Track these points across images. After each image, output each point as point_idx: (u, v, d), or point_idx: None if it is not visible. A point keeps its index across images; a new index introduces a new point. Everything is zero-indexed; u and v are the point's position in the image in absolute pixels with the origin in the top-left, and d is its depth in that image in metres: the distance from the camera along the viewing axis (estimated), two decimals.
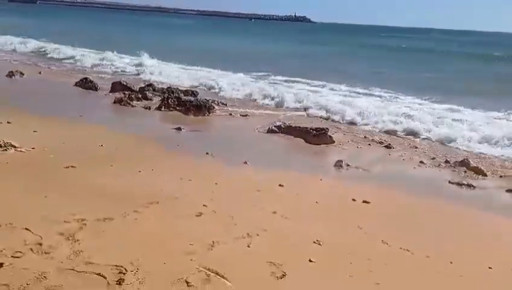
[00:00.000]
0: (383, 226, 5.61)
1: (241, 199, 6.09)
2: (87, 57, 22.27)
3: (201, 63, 21.13)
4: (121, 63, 21.39)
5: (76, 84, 15.45)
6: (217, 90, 16.30)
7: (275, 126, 11.36)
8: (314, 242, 4.88)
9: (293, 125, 11.54)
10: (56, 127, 9.17)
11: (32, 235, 4.40)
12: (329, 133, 10.91)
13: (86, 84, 15.52)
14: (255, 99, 14.95)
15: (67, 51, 24.05)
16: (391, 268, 4.53)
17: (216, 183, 6.60)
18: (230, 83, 16.95)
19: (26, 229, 4.50)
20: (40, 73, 17.36)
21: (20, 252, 4.04)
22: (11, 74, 16.08)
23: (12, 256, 3.95)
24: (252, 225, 5.15)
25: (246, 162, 7.94)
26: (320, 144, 10.33)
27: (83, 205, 5.26)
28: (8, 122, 9.02)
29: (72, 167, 6.65)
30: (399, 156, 9.32)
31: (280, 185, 6.81)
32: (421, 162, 8.90)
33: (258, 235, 4.92)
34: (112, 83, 15.33)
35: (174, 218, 5.21)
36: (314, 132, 10.94)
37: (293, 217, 5.61)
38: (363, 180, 7.56)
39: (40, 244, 4.23)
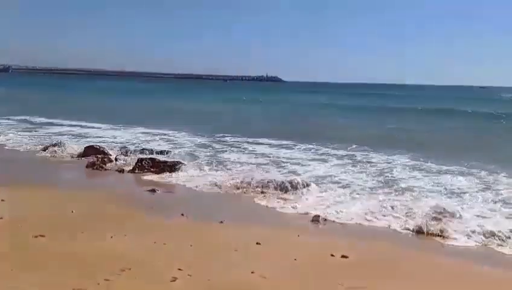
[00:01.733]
0: (364, 281, 5.51)
1: (218, 260, 5.94)
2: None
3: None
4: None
5: (46, 148, 15.24)
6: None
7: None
8: None
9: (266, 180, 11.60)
10: (25, 194, 8.90)
11: None
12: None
13: (57, 147, 15.34)
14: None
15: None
16: None
17: (191, 245, 6.44)
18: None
19: None
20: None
21: None
22: None
23: None
24: (230, 287, 4.99)
25: (222, 221, 7.83)
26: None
27: (53, 276, 5.02)
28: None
29: (41, 236, 6.40)
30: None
31: (257, 243, 6.69)
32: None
33: None
34: (85, 148, 15.16)
35: (148, 284, 5.01)
36: (289, 184, 11.00)
37: (271, 276, 5.47)
38: (340, 234, 7.51)
39: None
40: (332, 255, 6.27)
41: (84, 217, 7.66)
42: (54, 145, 15.54)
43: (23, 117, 23.71)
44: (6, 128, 20.33)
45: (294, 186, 10.87)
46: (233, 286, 5.01)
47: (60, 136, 18.40)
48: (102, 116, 25.49)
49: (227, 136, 18.96)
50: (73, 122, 23.09)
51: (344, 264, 6.05)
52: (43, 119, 23.60)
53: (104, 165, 13.06)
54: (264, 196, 10.06)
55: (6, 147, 15.32)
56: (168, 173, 12.32)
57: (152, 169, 12.66)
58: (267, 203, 9.33)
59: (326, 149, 16.43)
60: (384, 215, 8.49)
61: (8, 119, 23.26)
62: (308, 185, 10.92)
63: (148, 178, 11.54)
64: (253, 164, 13.82)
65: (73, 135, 19.08)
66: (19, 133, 19.29)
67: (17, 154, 14.46)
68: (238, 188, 10.76)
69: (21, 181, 10.25)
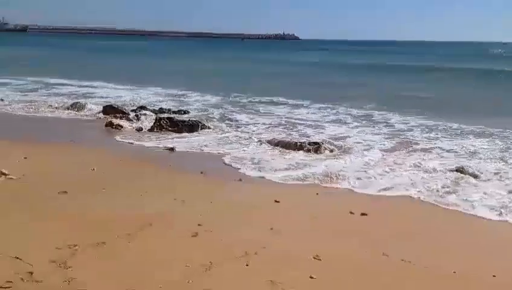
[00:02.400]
0: (383, 238, 5.49)
1: (238, 217, 5.96)
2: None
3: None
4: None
5: (69, 108, 15.39)
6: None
7: (267, 140, 11.38)
8: (314, 258, 4.75)
9: (286, 140, 11.55)
10: (47, 153, 9.02)
11: (23, 263, 4.23)
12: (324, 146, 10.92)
13: (78, 107, 15.47)
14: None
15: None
16: (394, 281, 4.40)
17: (211, 202, 6.47)
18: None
19: (16, 258, 4.33)
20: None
21: (10, 282, 3.87)
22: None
23: (1, 287, 3.78)
24: (249, 243, 5.01)
25: (240, 180, 7.84)
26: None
27: (75, 231, 5.10)
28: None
29: (64, 192, 6.49)
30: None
31: (276, 201, 6.69)
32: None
33: (256, 253, 4.77)
34: (103, 107, 15.23)
35: (169, 240, 5.06)
36: (308, 145, 10.92)
37: (290, 233, 5.47)
38: (360, 192, 7.46)
39: (31, 273, 4.07)
40: (351, 213, 6.24)
41: (105, 174, 7.72)
42: (74, 104, 15.70)
43: (39, 78, 23.79)
44: (26, 89, 20.51)
45: (313, 147, 10.84)
46: (252, 242, 5.02)
47: (78, 96, 18.53)
48: (119, 76, 25.46)
49: (243, 96, 18.79)
50: (89, 83, 23.10)
51: (363, 222, 6.03)
52: (60, 80, 23.64)
53: (122, 124, 13.13)
54: (283, 155, 10.04)
55: (27, 106, 15.43)
56: (186, 133, 12.36)
57: (170, 128, 12.68)
58: (285, 163, 9.28)
59: (343, 109, 16.22)
60: (404, 177, 8.38)
61: (25, 80, 23.38)
62: (323, 145, 10.88)
63: (166, 137, 11.56)
64: (270, 124, 13.75)
65: (90, 95, 19.12)
66: (37, 92, 19.45)
67: (38, 113, 14.58)
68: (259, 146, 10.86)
69: (42, 139, 10.40)
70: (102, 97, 18.89)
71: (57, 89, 21.05)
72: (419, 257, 4.93)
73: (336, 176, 8.24)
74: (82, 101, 16.66)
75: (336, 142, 11.29)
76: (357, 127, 13.66)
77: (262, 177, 8.14)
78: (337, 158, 9.81)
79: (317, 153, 10.36)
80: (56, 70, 27.52)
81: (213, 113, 15.29)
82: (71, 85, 22.51)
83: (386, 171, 8.70)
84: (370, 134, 12.55)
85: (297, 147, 10.84)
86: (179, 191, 6.91)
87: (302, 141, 11.30)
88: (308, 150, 10.64)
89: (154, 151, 10.12)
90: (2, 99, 16.59)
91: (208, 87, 21.18)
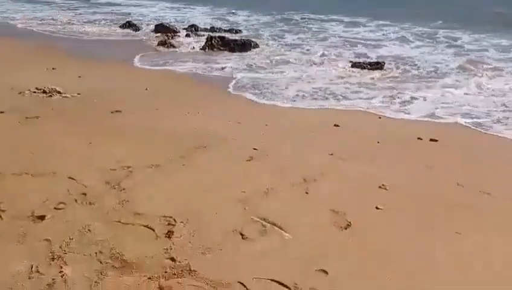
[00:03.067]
0: (456, 167, 4.93)
1: (294, 141, 5.54)
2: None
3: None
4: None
5: (121, 27, 15.13)
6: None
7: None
8: (380, 187, 4.31)
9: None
10: (100, 71, 8.83)
11: (76, 184, 4.08)
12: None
13: (130, 26, 15.15)
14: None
15: None
16: (471, 214, 3.91)
17: (266, 125, 6.07)
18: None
19: (70, 178, 4.18)
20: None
21: (63, 203, 3.72)
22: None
23: (55, 208, 3.64)
24: (308, 169, 4.61)
25: (294, 100, 7.36)
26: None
27: (129, 151, 4.88)
28: (52, 68, 8.75)
29: (118, 111, 6.28)
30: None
31: (335, 125, 6.19)
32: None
33: (315, 180, 4.39)
34: (155, 26, 14.82)
35: (223, 163, 4.74)
36: (369, 66, 10.12)
37: (352, 159, 5.02)
38: (428, 117, 6.80)
39: (85, 194, 3.90)
40: (419, 139, 5.68)
41: (158, 94, 7.45)
42: (127, 23, 15.36)
43: None
44: (71, 6, 20.32)
45: (374, 66, 10.04)
46: (312, 168, 4.63)
47: (124, 15, 18.09)
48: None
49: (295, 14, 17.62)
50: (133, 1, 22.54)
51: (433, 148, 5.46)
52: None
53: (174, 43, 12.72)
54: (342, 76, 9.37)
55: (76, 25, 15.27)
56: (239, 53, 11.81)
57: (222, 48, 12.16)
58: (344, 86, 8.63)
59: (405, 26, 14.90)
60: (479, 103, 7.57)
61: None
62: (383, 65, 10.06)
63: (219, 57, 11.09)
64: (328, 44, 12.88)
65: (135, 14, 18.64)
66: (84, 11, 19.22)
67: (88, 31, 14.39)
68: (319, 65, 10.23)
69: (97, 58, 10.23)
70: (144, 15, 18.38)
71: (98, 8, 20.68)
72: (499, 188, 4.38)
73: (398, 101, 7.58)
74: (132, 19, 16.34)
75: (399, 64, 10.42)
76: (418, 46, 12.56)
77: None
78: (401, 81, 9.04)
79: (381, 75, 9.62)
80: None
81: (264, 33, 14.50)
82: (114, 4, 22.00)
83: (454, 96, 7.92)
84: (438, 54, 11.49)
85: (360, 65, 10.10)
86: (234, 113, 6.55)
87: (360, 60, 10.52)
88: (372, 68, 9.90)
89: (207, 70, 9.72)
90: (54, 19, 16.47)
91: (259, 4, 20.05)
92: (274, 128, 5.98)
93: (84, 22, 16.24)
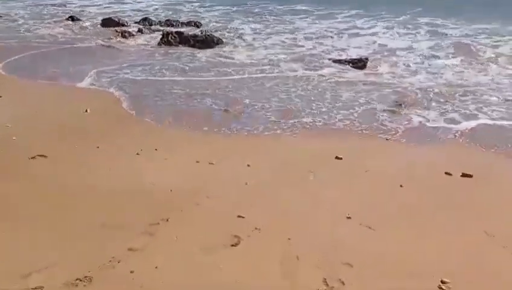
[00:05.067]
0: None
1: (292, 194, 3.86)
2: None
3: None
4: None
5: (62, 23, 12.75)
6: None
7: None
8: (441, 284, 2.73)
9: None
10: (29, 89, 6.72)
11: None
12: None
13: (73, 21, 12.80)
14: None
15: None
16: None
17: (249, 166, 4.35)
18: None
19: None
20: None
21: None
22: None
23: None
24: (325, 256, 2.97)
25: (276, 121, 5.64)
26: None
27: (44, 248, 3.06)
28: None
29: (42, 156, 4.36)
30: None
31: (337, 158, 4.56)
32: None
33: (343, 283, 2.75)
34: (102, 20, 12.56)
35: (199, 251, 3.02)
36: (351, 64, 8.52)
37: (382, 225, 3.40)
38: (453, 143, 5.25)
39: None
40: (448, 174, 4.12)
41: (101, 119, 5.56)
42: (70, 18, 12.98)
43: None
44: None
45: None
46: (329, 251, 3.00)
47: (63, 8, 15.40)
48: None
49: (256, 4, 15.61)
50: None
51: (468, 187, 3.93)
52: None
53: (124, 41, 10.65)
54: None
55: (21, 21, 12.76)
56: (199, 50, 9.91)
57: (180, 45, 10.22)
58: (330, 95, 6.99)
59: (379, 14, 13.37)
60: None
61: None
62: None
63: (174, 53, 9.18)
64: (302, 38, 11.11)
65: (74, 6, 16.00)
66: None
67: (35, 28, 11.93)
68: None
69: (26, 69, 8.05)
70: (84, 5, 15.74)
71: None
72: None
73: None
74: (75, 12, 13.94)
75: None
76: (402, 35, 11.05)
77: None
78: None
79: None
80: None
81: (228, 26, 12.54)
82: None
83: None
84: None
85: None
86: (202, 148, 4.80)
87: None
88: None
89: (164, 74, 7.76)
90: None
91: None
92: (259, 170, 4.27)
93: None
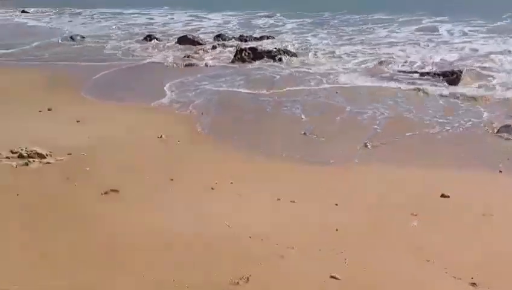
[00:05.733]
0: None
1: (390, 238, 3.18)
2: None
3: None
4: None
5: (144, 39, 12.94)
6: None
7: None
8: None
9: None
10: (109, 114, 6.54)
11: None
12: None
13: (150, 40, 12.96)
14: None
15: None
16: None
17: (337, 205, 3.71)
18: None
19: None
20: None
21: None
22: None
23: None
24: None
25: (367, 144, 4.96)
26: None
27: None
28: (48, 110, 6.57)
29: (114, 191, 4.04)
30: None
31: (443, 196, 3.78)
32: None
33: None
34: (178, 38, 12.58)
35: None
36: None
37: None
38: None
39: None
40: None
41: (175, 146, 5.22)
42: (147, 38, 13.15)
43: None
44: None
45: None
46: None
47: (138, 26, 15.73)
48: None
49: (334, 14, 14.84)
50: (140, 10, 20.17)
51: None
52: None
53: (199, 57, 10.48)
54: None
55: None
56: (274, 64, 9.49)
57: (254, 61, 9.84)
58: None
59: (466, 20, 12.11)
60: None
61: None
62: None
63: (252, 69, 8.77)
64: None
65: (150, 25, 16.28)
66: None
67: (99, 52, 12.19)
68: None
69: (107, 92, 8.04)
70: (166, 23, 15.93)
71: (105, 19, 18.24)
72: None
73: None
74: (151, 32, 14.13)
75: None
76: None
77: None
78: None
79: None
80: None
81: (304, 39, 11.97)
82: (122, 13, 19.50)
83: None
84: None
85: None
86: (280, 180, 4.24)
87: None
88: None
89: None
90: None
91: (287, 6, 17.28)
92: (350, 212, 3.62)
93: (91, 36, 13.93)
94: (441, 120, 5.75)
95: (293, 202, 3.79)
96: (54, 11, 21.25)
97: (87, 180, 4.27)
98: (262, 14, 16.49)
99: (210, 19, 16.54)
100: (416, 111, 6.16)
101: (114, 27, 15.76)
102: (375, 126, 5.61)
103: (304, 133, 5.45)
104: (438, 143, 5.10)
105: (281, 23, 14.47)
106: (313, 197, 3.87)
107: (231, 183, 4.16)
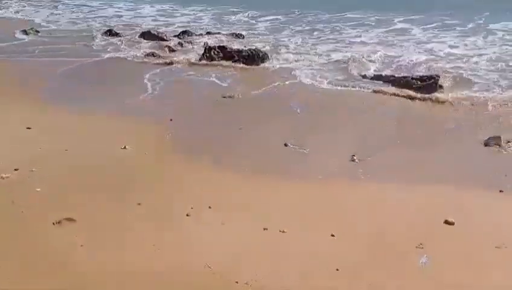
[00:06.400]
0: None
1: (396, 278, 2.72)
2: None
3: None
4: None
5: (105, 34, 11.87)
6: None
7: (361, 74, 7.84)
8: None
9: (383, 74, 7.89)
10: (64, 116, 5.75)
11: None
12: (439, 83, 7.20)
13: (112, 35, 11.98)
14: None
15: None
16: None
17: (333, 236, 3.21)
18: None
19: None
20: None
21: None
22: None
23: None
24: None
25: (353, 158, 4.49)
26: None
27: None
28: None
29: (69, 220, 3.35)
30: None
31: (447, 223, 3.36)
32: None
33: None
34: (141, 33, 11.67)
35: None
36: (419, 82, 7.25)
37: None
38: None
39: None
40: None
41: (141, 161, 4.56)
42: (108, 32, 12.14)
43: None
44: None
45: None
46: None
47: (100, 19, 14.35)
48: None
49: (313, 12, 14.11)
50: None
51: None
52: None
53: (164, 55, 9.73)
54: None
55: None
56: (243, 65, 8.91)
57: (223, 60, 9.20)
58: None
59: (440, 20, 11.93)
60: None
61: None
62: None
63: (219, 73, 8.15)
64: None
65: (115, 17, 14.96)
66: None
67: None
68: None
69: (61, 93, 7.17)
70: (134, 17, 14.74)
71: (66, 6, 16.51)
72: None
73: None
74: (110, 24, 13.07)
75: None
76: None
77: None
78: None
79: None
80: None
81: (276, 38, 11.34)
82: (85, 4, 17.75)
83: None
84: None
85: None
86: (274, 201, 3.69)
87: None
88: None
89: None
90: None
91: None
92: (348, 245, 3.12)
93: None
94: (423, 130, 5.38)
95: (283, 231, 3.25)
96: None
97: (37, 205, 3.56)
98: (234, 9, 15.74)
99: (182, 14, 15.59)
100: (397, 121, 5.76)
101: (75, 18, 14.47)
102: (358, 136, 5.14)
103: (285, 145, 4.92)
104: (427, 158, 4.68)
105: (253, 21, 13.80)
106: (305, 225, 3.36)
107: (209, 207, 3.57)
